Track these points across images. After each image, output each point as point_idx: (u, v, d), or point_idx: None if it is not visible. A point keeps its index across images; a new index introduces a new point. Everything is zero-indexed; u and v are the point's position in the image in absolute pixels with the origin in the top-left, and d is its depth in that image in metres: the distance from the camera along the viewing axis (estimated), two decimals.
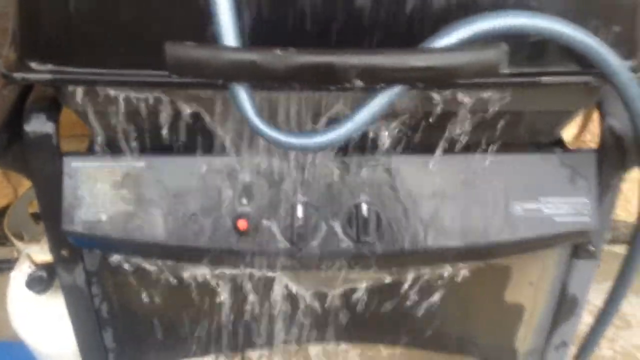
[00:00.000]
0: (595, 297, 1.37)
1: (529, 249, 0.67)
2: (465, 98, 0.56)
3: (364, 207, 0.62)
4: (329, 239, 0.64)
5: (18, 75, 0.54)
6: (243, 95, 0.49)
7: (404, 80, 0.47)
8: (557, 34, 0.51)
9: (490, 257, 0.70)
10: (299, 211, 0.63)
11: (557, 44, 0.52)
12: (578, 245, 0.70)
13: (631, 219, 1.36)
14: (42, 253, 0.80)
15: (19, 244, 0.81)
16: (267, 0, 0.48)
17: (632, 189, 1.36)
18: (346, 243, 0.64)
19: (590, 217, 0.64)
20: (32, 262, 0.80)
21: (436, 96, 0.55)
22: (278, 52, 0.46)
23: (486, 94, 0.56)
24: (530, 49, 0.53)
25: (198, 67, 0.48)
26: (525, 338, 0.80)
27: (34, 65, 0.54)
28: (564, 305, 0.76)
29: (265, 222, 0.63)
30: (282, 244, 0.64)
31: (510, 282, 0.76)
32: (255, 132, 0.50)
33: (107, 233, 0.63)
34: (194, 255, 0.65)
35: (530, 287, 0.76)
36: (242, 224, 0.62)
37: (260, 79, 0.48)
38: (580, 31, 0.51)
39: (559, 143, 0.67)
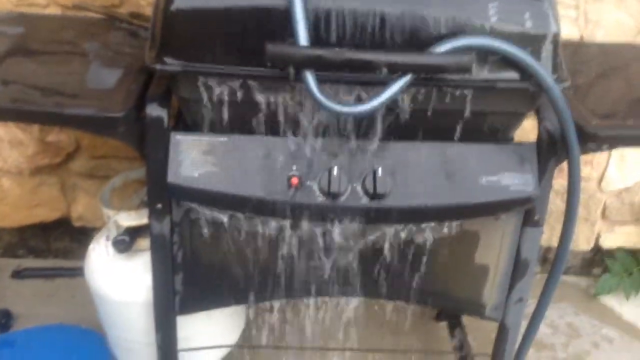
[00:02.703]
0: (551, 313, 1.66)
1: (493, 210, 0.95)
2: (452, 96, 0.85)
3: (379, 173, 0.90)
4: (353, 196, 0.91)
5: (156, 66, 0.83)
6: (311, 78, 0.78)
7: (412, 70, 0.77)
8: (509, 53, 0.81)
9: (466, 215, 0.97)
10: (333, 175, 0.90)
11: (509, 61, 0.82)
12: (527, 214, 0.98)
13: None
14: (127, 220, 1.05)
15: (109, 211, 1.05)
16: (326, 16, 0.78)
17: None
18: (364, 199, 0.91)
19: (533, 188, 0.93)
20: (119, 226, 1.05)
21: (434, 96, 0.85)
22: (336, 49, 0.76)
23: (466, 92, 0.85)
24: (491, 64, 0.84)
25: (285, 58, 0.77)
26: (490, 294, 1.06)
27: (168, 60, 0.82)
28: (519, 266, 1.02)
29: (308, 182, 0.90)
30: (320, 198, 0.90)
31: (479, 246, 1.03)
32: (317, 103, 0.78)
33: (198, 185, 0.90)
34: (257, 204, 0.91)
35: (494, 251, 1.03)
36: (294, 181, 0.89)
37: (324, 67, 0.77)
38: (525, 53, 0.81)
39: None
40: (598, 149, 0.93)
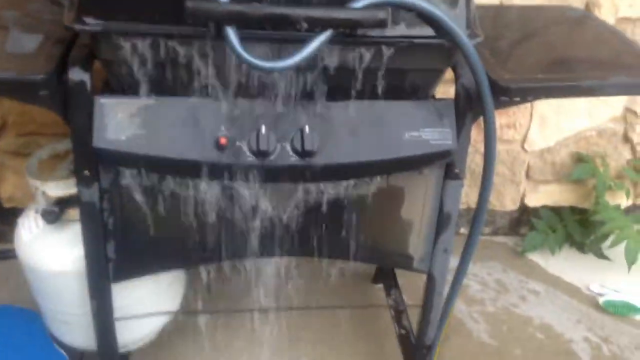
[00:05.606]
0: (480, 271, 1.72)
1: (416, 164, 0.99)
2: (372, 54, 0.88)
3: (306, 131, 0.92)
4: (282, 155, 0.93)
5: (77, 26, 0.82)
6: (233, 34, 0.79)
7: (331, 25, 0.80)
8: (423, 9, 0.84)
9: (392, 170, 1.01)
10: (261, 135, 0.92)
11: (424, 18, 0.86)
12: (447, 168, 1.03)
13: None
14: (55, 190, 1.03)
15: (37, 182, 1.04)
16: None
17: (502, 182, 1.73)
18: (294, 157, 0.93)
19: (452, 141, 0.97)
20: (48, 197, 1.03)
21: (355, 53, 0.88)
22: (255, 4, 0.78)
23: (384, 49, 0.88)
24: (408, 21, 0.87)
25: (205, 14, 0.78)
26: (417, 247, 1.11)
27: (87, 19, 0.82)
28: (442, 219, 1.07)
29: (237, 142, 0.92)
30: (250, 158, 0.92)
31: (405, 201, 1.07)
32: (239, 60, 0.80)
33: (125, 149, 0.90)
34: (186, 166, 0.92)
35: (419, 205, 1.07)
36: (223, 141, 0.90)
37: (244, 22, 0.78)
38: (437, 9, 0.85)
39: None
40: (511, 102, 0.98)
